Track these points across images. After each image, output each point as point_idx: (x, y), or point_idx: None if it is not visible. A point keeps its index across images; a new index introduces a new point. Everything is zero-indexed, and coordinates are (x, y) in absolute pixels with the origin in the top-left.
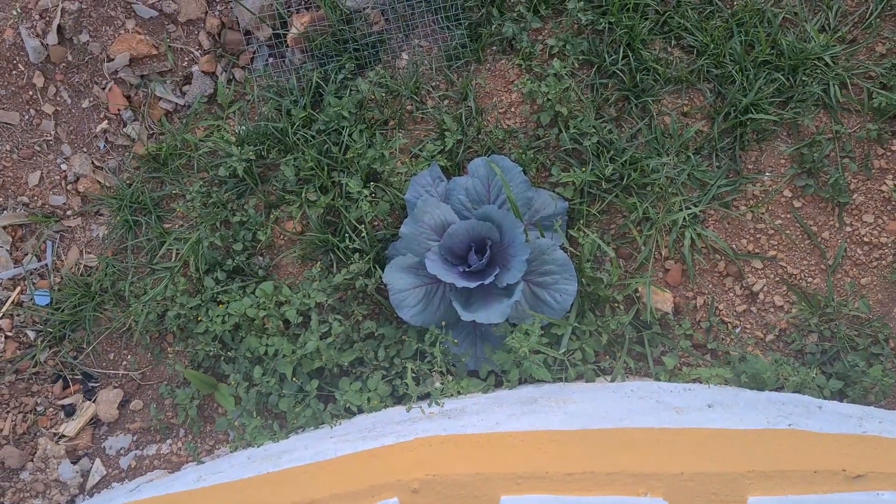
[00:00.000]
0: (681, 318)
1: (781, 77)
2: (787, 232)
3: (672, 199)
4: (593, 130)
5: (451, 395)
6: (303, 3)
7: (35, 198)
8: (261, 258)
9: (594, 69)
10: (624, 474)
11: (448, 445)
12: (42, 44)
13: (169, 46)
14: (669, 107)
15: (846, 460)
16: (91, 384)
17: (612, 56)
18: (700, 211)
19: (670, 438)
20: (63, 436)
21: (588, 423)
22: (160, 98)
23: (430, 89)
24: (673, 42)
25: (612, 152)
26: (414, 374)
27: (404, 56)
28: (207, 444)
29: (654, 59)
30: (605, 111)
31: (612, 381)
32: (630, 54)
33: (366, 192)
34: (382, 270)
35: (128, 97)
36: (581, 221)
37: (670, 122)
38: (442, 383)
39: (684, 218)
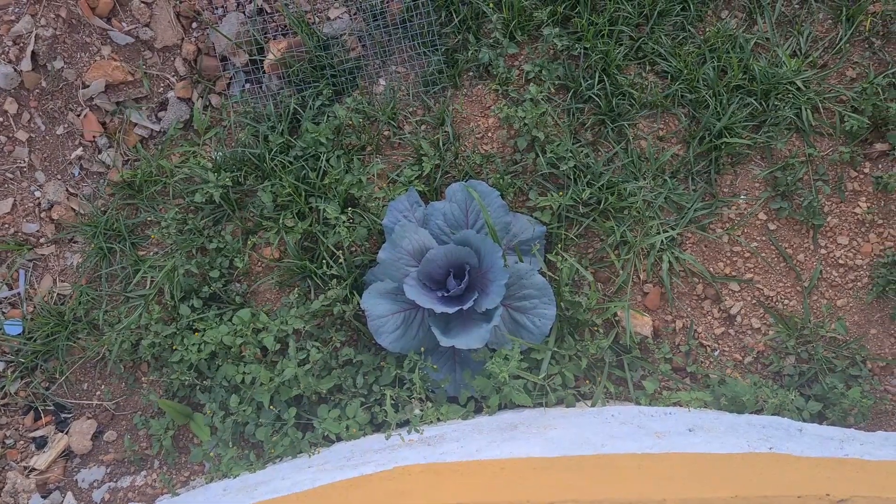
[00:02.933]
0: (660, 342)
1: (754, 101)
2: (763, 254)
3: (649, 222)
4: (570, 155)
5: (431, 421)
6: (280, 29)
7: (7, 225)
8: (238, 285)
9: (570, 94)
10: (607, 501)
11: (428, 474)
12: (15, 70)
13: (145, 73)
14: (645, 131)
15: (830, 484)
16: (64, 415)
17: (587, 81)
18: (677, 234)
19: (652, 464)
20: (34, 469)
21: (569, 449)
22: (136, 124)
23: (408, 115)
24: (647, 67)
25: (588, 176)
26: (393, 401)
27: (381, 82)
28: (183, 475)
29: (629, 84)
30: (581, 135)
31: (593, 405)
32: (605, 79)
33: (343, 217)
34: (360, 296)
35: (103, 123)
36: (559, 245)
37: (646, 146)
38: (421, 410)
39: (662, 241)
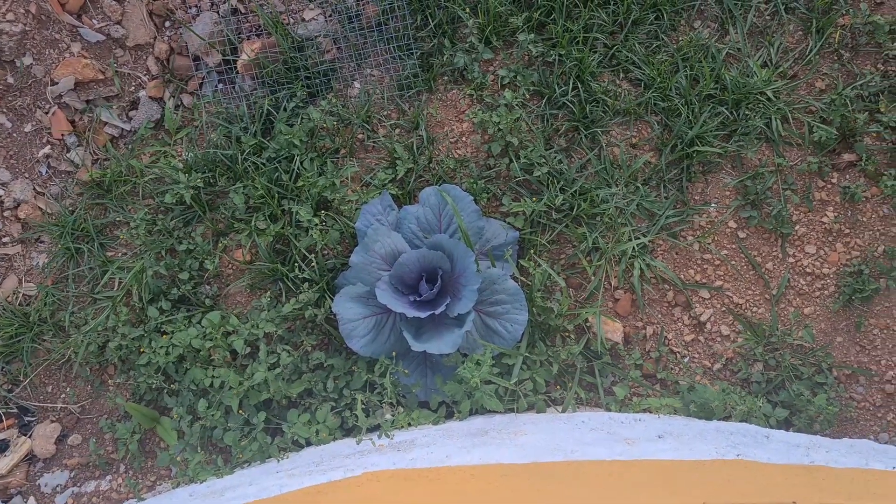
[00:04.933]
0: (631, 348)
1: (725, 111)
2: (733, 262)
3: (621, 229)
4: (543, 161)
5: (402, 426)
6: (254, 29)
7: None
8: (208, 287)
9: (545, 100)
10: None
11: (398, 480)
12: None
13: (116, 71)
14: (618, 138)
15: (797, 491)
16: (27, 418)
17: (562, 87)
18: (649, 241)
19: (622, 471)
20: None
21: (540, 455)
22: (106, 123)
23: (382, 118)
24: (621, 75)
25: (562, 182)
26: (364, 406)
27: (356, 85)
28: (149, 479)
29: (603, 91)
30: (555, 142)
31: (563, 411)
32: (580, 86)
33: (316, 220)
34: (332, 300)
35: (72, 122)
36: (532, 251)
37: (619, 153)
38: (392, 415)
39: (633, 248)
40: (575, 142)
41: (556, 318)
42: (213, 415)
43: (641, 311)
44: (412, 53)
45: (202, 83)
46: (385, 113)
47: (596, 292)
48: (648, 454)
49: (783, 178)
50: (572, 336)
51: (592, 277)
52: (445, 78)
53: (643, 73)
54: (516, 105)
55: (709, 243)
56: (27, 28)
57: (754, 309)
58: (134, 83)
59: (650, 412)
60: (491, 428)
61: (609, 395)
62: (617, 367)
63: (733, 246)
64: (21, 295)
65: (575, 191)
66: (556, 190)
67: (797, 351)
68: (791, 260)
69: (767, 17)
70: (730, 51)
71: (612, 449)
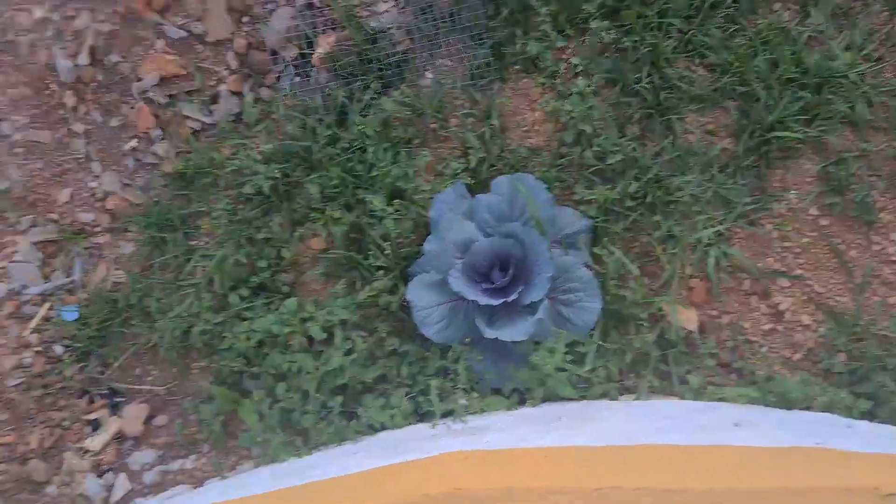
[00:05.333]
0: (706, 337)
1: (807, 95)
2: (814, 250)
3: (697, 217)
4: (617, 148)
5: (475, 412)
6: (329, 23)
7: (65, 215)
8: (285, 275)
9: (618, 87)
10: (652, 490)
11: (474, 460)
12: (74, 64)
13: (197, 66)
14: (694, 125)
15: (879, 478)
16: (117, 399)
17: (635, 74)
18: (725, 229)
19: (698, 455)
20: (88, 450)
21: (614, 439)
22: (188, 117)
23: (454, 108)
24: (697, 60)
25: (636, 170)
26: (438, 392)
27: (428, 75)
28: (231, 459)
29: (678, 77)
30: (628, 129)
31: (637, 399)
32: (654, 72)
33: (390, 209)
34: (406, 288)
35: (156, 116)
36: (605, 239)
37: (695, 140)
38: (466, 400)
39: (709, 236)
40: (649, 129)
41: (630, 307)
42: (291, 398)
43: (717, 300)
44: (484, 43)
45: (279, 77)
46: (457, 103)
47: (670, 281)
48: (724, 441)
49: (868, 164)
50: (646, 324)
51: (667, 266)
52: (517, 67)
53: (720, 58)
54: (589, 93)
55: (788, 231)
56: (115, 27)
57: (837, 298)
58: (214, 78)
59: (726, 401)
60: (564, 414)
61: (683, 385)
62: (691, 356)
63: (815, 234)
64: (110, 282)
65: (649, 178)
66: (630, 178)
67: (882, 341)
68: (876, 248)
69: None
70: (811, 33)
71: (687, 435)
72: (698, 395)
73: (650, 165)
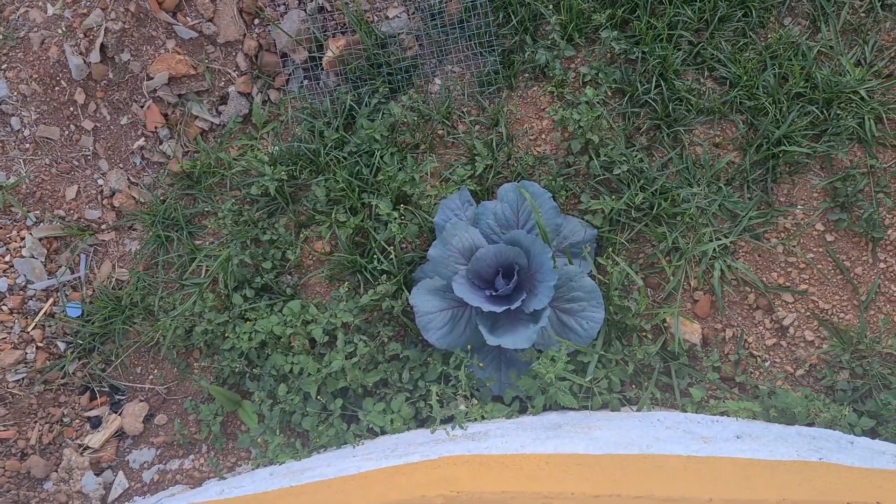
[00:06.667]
0: (709, 350)
1: (815, 110)
2: (819, 266)
3: (702, 229)
4: (624, 159)
5: (475, 419)
6: (339, 27)
7: (71, 211)
8: (289, 277)
9: (626, 98)
10: (651, 499)
11: (474, 464)
12: (85, 62)
13: (207, 67)
14: (701, 137)
15: (880, 493)
16: (118, 397)
17: (644, 85)
18: (730, 242)
19: (699, 466)
20: (88, 447)
21: (614, 448)
22: (196, 117)
23: (462, 114)
24: (706, 73)
25: (642, 181)
26: (438, 397)
27: (437, 81)
28: (229, 460)
29: (686, 90)
30: (636, 140)
31: (639, 410)
32: (662, 84)
33: (395, 214)
34: (409, 292)
35: (165, 115)
36: (610, 249)
37: (702, 152)
38: (466, 407)
39: (714, 249)
40: (656, 140)
41: (633, 318)
42: (292, 400)
43: (721, 314)
44: (493, 50)
45: (288, 79)
46: (465, 109)
47: (674, 293)
48: (726, 452)
49: (875, 181)
50: (649, 336)
51: (671, 277)
52: (526, 75)
53: (729, 71)
54: (597, 103)
55: (794, 246)
56: (126, 26)
57: (841, 315)
58: (224, 79)
59: (727, 415)
60: (565, 423)
61: (685, 397)
62: (694, 368)
63: (820, 249)
64: (114, 279)
65: (655, 190)
66: (637, 188)
67: (886, 359)
68: (882, 265)
69: (862, 14)
70: (821, 49)
71: (688, 446)
72: (700, 407)
73: (657, 177)
